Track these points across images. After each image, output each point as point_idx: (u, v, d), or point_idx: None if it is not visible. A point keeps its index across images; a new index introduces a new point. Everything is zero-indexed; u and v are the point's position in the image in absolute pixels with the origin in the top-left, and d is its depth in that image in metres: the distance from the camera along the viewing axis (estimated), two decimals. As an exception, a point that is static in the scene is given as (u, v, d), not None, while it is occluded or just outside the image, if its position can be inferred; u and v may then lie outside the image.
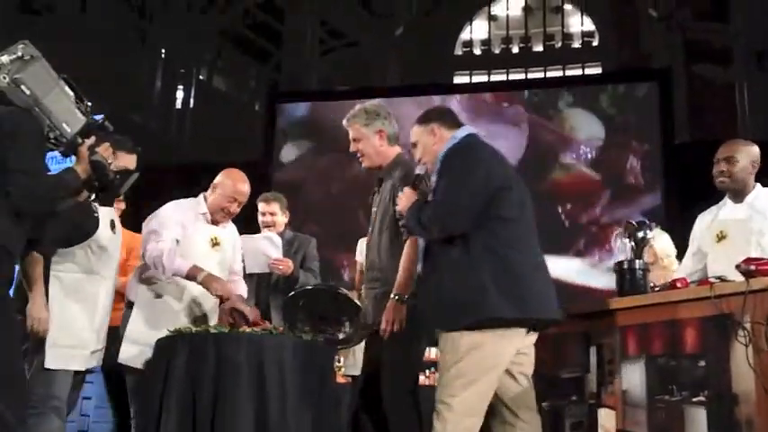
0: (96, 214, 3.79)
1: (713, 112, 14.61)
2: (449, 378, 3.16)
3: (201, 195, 4.34)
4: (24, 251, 3.56)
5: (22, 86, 3.01)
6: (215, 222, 4.30)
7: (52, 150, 3.20)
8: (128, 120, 11.63)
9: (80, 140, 3.17)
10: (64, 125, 3.11)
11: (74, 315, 3.70)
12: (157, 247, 4.07)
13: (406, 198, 3.45)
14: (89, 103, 3.23)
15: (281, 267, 4.82)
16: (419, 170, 3.55)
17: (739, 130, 13.07)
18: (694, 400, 3.26)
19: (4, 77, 3.01)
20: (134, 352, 4.04)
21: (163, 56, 14.12)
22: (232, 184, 4.28)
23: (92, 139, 3.22)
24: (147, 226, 4.21)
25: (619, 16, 18.35)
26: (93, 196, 3.55)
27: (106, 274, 3.89)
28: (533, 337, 3.34)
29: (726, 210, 4.17)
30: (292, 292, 4.45)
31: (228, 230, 4.40)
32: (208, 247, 4.24)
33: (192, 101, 14.48)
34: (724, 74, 15.18)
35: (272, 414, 3.52)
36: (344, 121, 4.04)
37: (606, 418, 3.62)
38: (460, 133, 3.44)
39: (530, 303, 3.15)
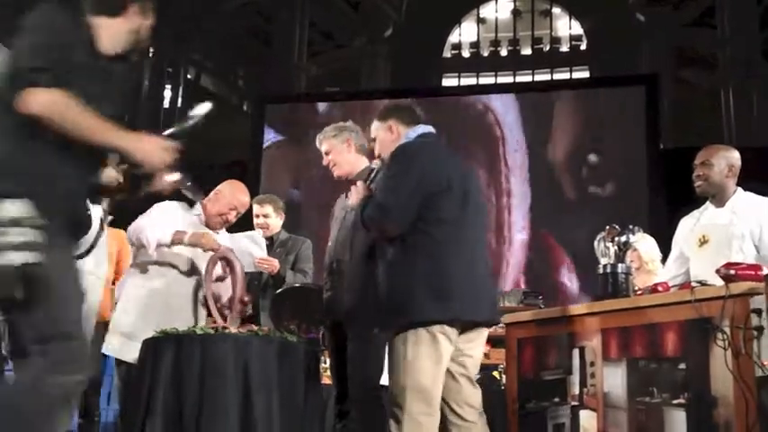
0: (89, 212, 3.80)
1: (699, 117, 14.71)
2: (397, 380, 3.19)
3: (200, 203, 4.43)
4: None
5: None
6: (209, 227, 4.36)
7: None
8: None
9: None
10: None
11: None
12: (139, 224, 4.21)
13: (356, 192, 3.50)
14: None
15: (265, 266, 4.85)
16: (375, 165, 3.59)
17: (724, 136, 13.15)
18: (674, 402, 3.30)
19: None
20: (117, 344, 4.10)
21: (151, 55, 14.10)
22: (234, 193, 4.43)
23: None
24: (139, 217, 4.31)
25: (607, 21, 18.44)
26: None
27: (99, 273, 3.92)
28: (478, 340, 3.35)
29: (708, 214, 4.21)
30: (279, 290, 4.48)
31: (221, 236, 4.47)
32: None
33: (179, 100, 14.45)
34: (710, 80, 15.28)
35: (257, 415, 3.55)
36: (317, 141, 4.21)
37: (588, 419, 3.66)
38: (412, 133, 3.47)
39: (458, 305, 3.17)
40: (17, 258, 2.37)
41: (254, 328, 4.00)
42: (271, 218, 5.20)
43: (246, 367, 3.61)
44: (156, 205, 4.34)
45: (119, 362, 4.15)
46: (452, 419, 3.29)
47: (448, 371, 3.26)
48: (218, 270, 4.18)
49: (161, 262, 4.24)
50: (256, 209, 5.22)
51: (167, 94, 14.39)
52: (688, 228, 4.28)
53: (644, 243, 4.78)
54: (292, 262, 5.16)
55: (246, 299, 4.07)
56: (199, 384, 3.56)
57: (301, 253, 5.24)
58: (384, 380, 4.12)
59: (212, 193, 4.43)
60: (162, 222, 4.20)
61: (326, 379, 4.78)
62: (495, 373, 6.21)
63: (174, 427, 3.53)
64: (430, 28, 19.25)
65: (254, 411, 3.55)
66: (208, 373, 3.57)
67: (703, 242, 4.13)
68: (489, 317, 3.35)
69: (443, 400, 3.26)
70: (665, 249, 4.53)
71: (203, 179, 4.47)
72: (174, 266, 4.24)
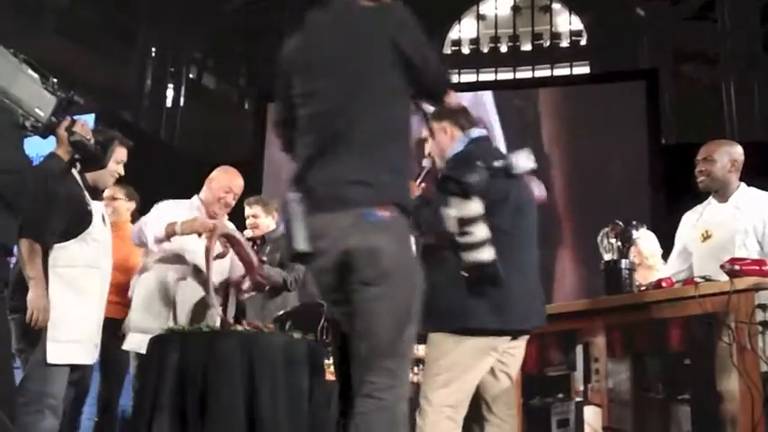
0: (90, 208, 3.83)
1: (700, 112, 14.70)
2: (430, 375, 3.21)
3: (195, 196, 4.46)
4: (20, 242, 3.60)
5: None
6: (211, 216, 4.38)
7: (30, 137, 3.12)
8: (119, 118, 11.61)
9: (55, 120, 3.09)
10: (37, 110, 3.00)
11: (76, 309, 3.74)
12: (138, 224, 4.26)
13: None
14: (55, 80, 3.11)
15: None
16: (426, 164, 3.58)
17: (726, 130, 13.14)
18: (679, 397, 3.31)
19: None
20: (136, 340, 4.12)
21: (153, 55, 14.09)
22: (227, 177, 4.46)
23: (68, 121, 3.15)
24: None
25: (607, 16, 18.43)
26: (79, 167, 3.54)
27: (103, 268, 3.94)
28: (522, 340, 3.37)
29: (711, 209, 4.20)
30: (276, 315, 4.55)
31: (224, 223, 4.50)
32: (201, 238, 4.33)
33: (182, 100, 14.42)
34: (711, 74, 15.27)
35: (263, 411, 3.56)
36: None
37: (592, 415, 3.67)
38: (466, 137, 3.46)
39: (512, 315, 3.17)
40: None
41: (260, 325, 4.02)
42: (260, 218, 5.27)
43: (252, 364, 3.63)
44: (155, 206, 4.38)
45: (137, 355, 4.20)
46: (486, 415, 3.31)
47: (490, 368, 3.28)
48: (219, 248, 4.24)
49: (166, 258, 4.28)
50: (246, 210, 5.30)
51: (170, 93, 14.35)
52: (691, 223, 4.27)
53: (645, 239, 4.78)
54: (279, 259, 5.23)
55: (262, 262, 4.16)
56: (205, 381, 3.57)
57: None
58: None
59: (205, 183, 4.47)
60: (158, 219, 4.23)
61: (330, 375, 4.81)
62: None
63: (181, 423, 3.54)
64: (429, 24, 19.23)
65: (259, 407, 3.56)
66: (214, 370, 3.58)
67: (706, 237, 4.12)
68: (538, 323, 3.34)
69: (479, 395, 3.28)
70: (668, 245, 4.52)
71: (203, 178, 4.51)
72: (179, 259, 4.29)
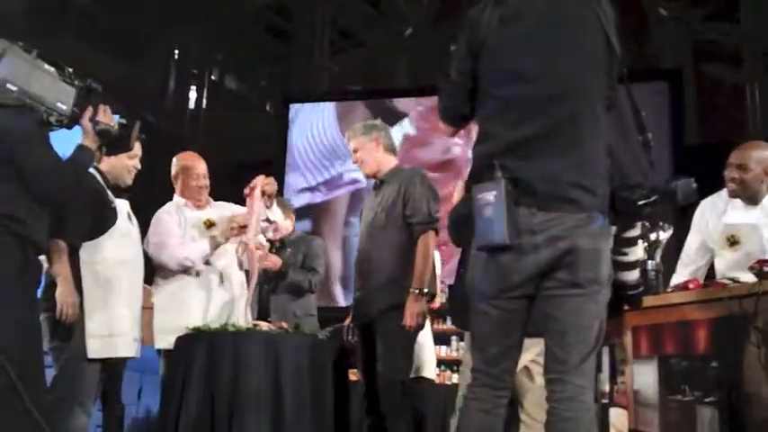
0: (114, 205, 3.87)
1: (723, 113, 14.58)
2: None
3: (176, 196, 4.53)
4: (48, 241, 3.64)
5: (7, 85, 2.88)
6: (199, 206, 4.42)
7: (55, 130, 3.10)
8: (142, 120, 11.66)
9: (77, 111, 3.08)
10: (59, 104, 3.01)
11: (111, 304, 3.79)
12: (174, 254, 4.29)
13: (457, 192, 3.54)
14: (70, 69, 3.11)
15: (268, 265, 4.99)
16: None
17: (750, 131, 13.02)
18: (706, 400, 3.28)
19: None
20: (168, 339, 4.16)
21: (175, 57, 14.13)
22: (190, 165, 4.53)
23: (89, 110, 3.12)
24: (150, 242, 4.36)
25: (628, 16, 18.32)
26: (106, 150, 3.57)
27: (133, 263, 3.99)
28: None
29: (737, 213, 4.12)
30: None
31: (218, 209, 4.58)
32: (203, 230, 4.44)
33: (204, 101, 14.46)
34: (734, 75, 15.15)
35: (288, 409, 3.59)
36: (346, 139, 4.32)
37: (618, 417, 3.65)
38: None
39: None
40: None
41: (285, 325, 4.05)
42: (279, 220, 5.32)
43: (277, 363, 3.66)
44: (154, 222, 4.42)
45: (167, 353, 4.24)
46: (523, 418, 3.31)
47: (526, 369, 3.26)
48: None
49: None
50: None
51: (192, 95, 14.39)
52: (713, 217, 4.20)
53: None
54: (302, 260, 5.26)
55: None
56: (231, 380, 3.61)
57: (311, 251, 5.35)
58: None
59: (173, 180, 4.53)
60: (178, 232, 4.27)
61: (353, 375, 4.82)
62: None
63: (208, 422, 3.57)
64: (450, 26, 19.18)
65: (285, 406, 3.59)
66: (239, 370, 3.62)
67: (733, 242, 4.05)
68: None
69: (515, 397, 3.27)
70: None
71: (227, 180, 4.54)
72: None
